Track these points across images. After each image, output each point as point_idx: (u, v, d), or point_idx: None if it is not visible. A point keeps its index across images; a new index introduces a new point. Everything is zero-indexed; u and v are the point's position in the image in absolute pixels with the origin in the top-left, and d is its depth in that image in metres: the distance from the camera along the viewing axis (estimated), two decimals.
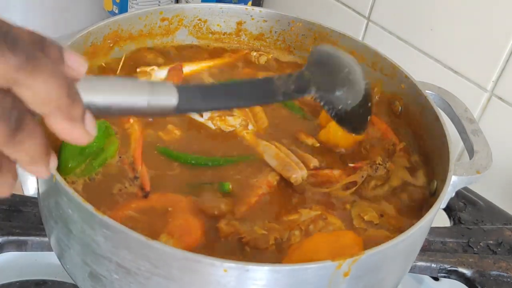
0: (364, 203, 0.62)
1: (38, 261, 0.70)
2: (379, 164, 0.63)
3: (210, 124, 0.67)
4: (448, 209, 0.79)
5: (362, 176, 0.62)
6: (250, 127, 0.69)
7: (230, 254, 0.53)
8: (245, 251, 0.54)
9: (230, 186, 0.60)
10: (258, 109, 0.71)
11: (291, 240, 0.55)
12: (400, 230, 0.58)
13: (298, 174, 0.62)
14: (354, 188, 0.62)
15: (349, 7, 1.06)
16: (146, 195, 0.57)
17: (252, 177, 0.62)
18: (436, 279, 0.76)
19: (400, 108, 0.73)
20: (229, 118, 0.68)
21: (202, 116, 0.68)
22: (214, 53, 0.81)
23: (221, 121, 0.67)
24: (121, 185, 0.58)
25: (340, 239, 0.55)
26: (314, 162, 0.65)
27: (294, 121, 0.72)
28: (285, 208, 0.59)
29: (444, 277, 0.70)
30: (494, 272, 0.70)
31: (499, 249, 0.73)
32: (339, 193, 0.62)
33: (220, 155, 0.64)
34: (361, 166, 0.64)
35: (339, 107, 0.54)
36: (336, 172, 0.64)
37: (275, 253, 0.54)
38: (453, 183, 0.60)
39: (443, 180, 0.58)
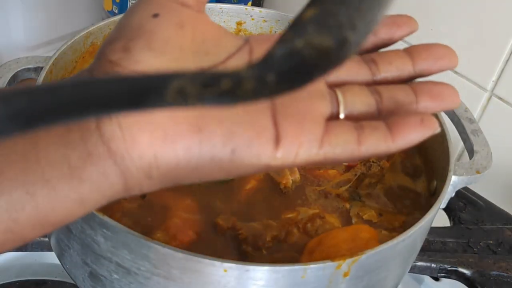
0: (363, 202, 0.62)
1: (38, 261, 0.70)
2: (372, 162, 0.63)
3: None
4: (448, 209, 0.79)
5: (355, 174, 0.62)
6: None
7: (228, 252, 0.53)
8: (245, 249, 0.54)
9: None
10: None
11: (288, 239, 0.55)
12: (399, 229, 0.58)
13: (288, 180, 0.62)
14: (348, 186, 0.62)
15: None
16: (144, 196, 0.57)
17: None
18: (436, 279, 0.76)
19: None
20: None
21: None
22: None
23: None
24: None
25: (358, 233, 0.55)
26: None
27: None
28: (283, 206, 0.60)
29: (444, 277, 0.70)
30: (494, 272, 0.69)
31: (499, 249, 0.73)
32: (333, 191, 0.62)
33: None
34: (355, 165, 0.64)
35: None
36: (331, 172, 0.65)
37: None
38: (453, 183, 0.60)
39: (443, 180, 0.58)
